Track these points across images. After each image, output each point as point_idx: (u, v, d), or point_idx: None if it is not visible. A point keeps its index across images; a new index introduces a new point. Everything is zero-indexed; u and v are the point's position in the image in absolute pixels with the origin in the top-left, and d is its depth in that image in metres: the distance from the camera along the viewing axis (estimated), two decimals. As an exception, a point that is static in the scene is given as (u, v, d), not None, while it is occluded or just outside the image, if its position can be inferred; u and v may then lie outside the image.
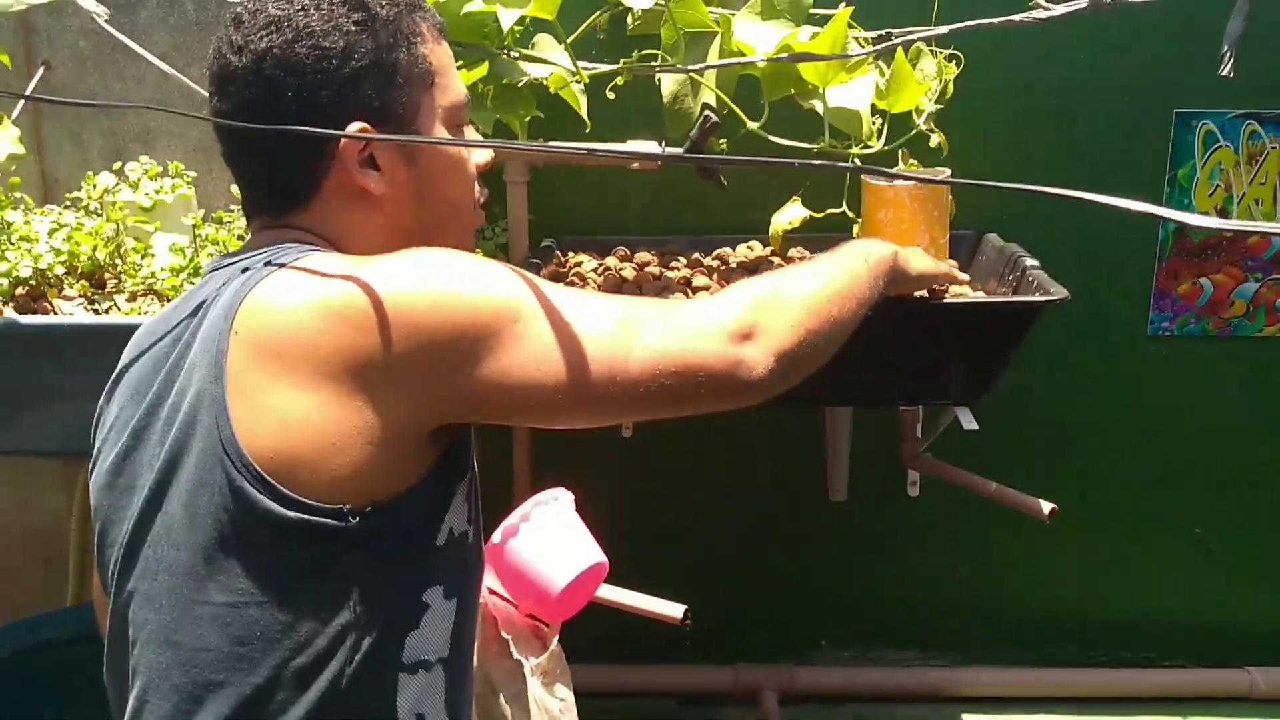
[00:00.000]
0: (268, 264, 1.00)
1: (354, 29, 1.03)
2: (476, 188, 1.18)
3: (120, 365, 1.09)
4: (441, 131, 1.11)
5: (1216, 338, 2.22)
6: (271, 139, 1.02)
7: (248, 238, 1.13)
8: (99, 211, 1.85)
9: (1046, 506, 1.82)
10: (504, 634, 1.35)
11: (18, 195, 1.95)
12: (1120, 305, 2.22)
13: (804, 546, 2.37)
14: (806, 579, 2.39)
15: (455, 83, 1.14)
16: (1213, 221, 0.69)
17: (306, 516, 0.93)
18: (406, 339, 0.93)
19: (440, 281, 0.96)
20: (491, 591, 1.38)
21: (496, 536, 1.35)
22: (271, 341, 0.94)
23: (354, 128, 1.02)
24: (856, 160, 1.90)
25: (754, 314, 1.05)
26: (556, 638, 1.39)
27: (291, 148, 1.03)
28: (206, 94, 1.08)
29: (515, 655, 1.33)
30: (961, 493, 2.08)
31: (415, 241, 1.07)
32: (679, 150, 1.90)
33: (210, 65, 1.07)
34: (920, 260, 1.47)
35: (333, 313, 0.93)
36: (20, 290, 1.70)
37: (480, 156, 1.17)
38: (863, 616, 2.42)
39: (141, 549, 1.00)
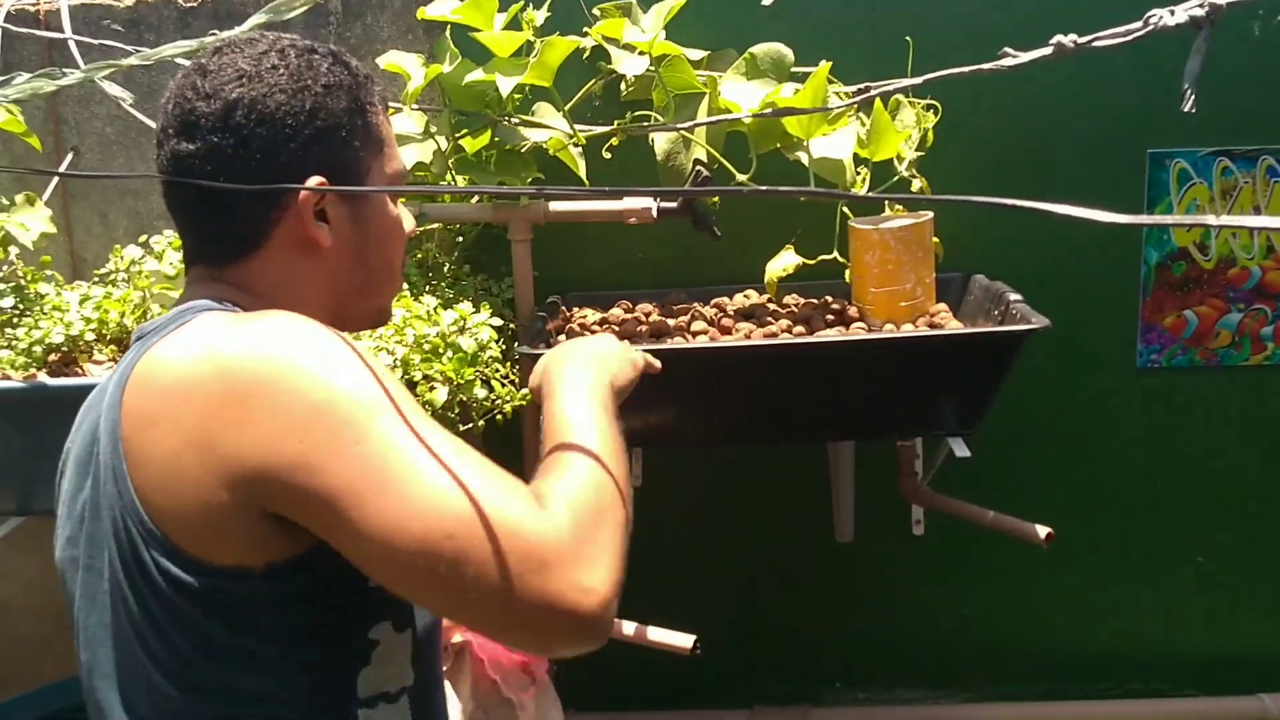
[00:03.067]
0: (164, 330, 1.02)
1: (320, 91, 1.09)
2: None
3: (69, 439, 1.12)
4: (382, 199, 1.15)
5: (1205, 368, 2.29)
6: (243, 170, 1.05)
7: (150, 305, 1.18)
8: (127, 282, 1.95)
9: (1042, 531, 1.88)
10: (492, 675, 1.39)
11: (49, 272, 2.06)
12: (1109, 340, 2.29)
13: (815, 588, 2.42)
14: (819, 621, 2.43)
15: (398, 153, 1.19)
16: (1150, 219, 0.77)
17: (212, 579, 0.94)
18: (256, 412, 0.91)
19: (311, 362, 0.93)
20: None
21: None
22: (150, 409, 0.95)
23: (313, 181, 1.06)
24: (843, 207, 2.00)
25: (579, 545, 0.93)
26: (545, 667, 1.41)
27: (253, 191, 1.06)
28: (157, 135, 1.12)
29: (505, 694, 1.36)
30: (966, 530, 2.13)
31: (349, 300, 1.13)
32: (656, 199, 2.00)
33: (168, 107, 1.09)
34: (622, 370, 1.26)
35: (195, 380, 0.94)
36: (53, 356, 1.79)
37: (409, 224, 1.21)
38: (875, 656, 2.45)
39: (84, 620, 1.04)
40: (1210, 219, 0.86)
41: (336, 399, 0.91)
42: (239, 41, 1.12)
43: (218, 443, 0.92)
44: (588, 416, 1.09)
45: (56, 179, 2.18)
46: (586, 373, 1.17)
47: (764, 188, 1.01)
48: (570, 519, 0.93)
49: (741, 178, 1.95)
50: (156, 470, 0.95)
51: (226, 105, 1.06)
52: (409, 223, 1.21)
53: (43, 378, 1.76)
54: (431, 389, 1.75)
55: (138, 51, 1.59)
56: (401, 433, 0.91)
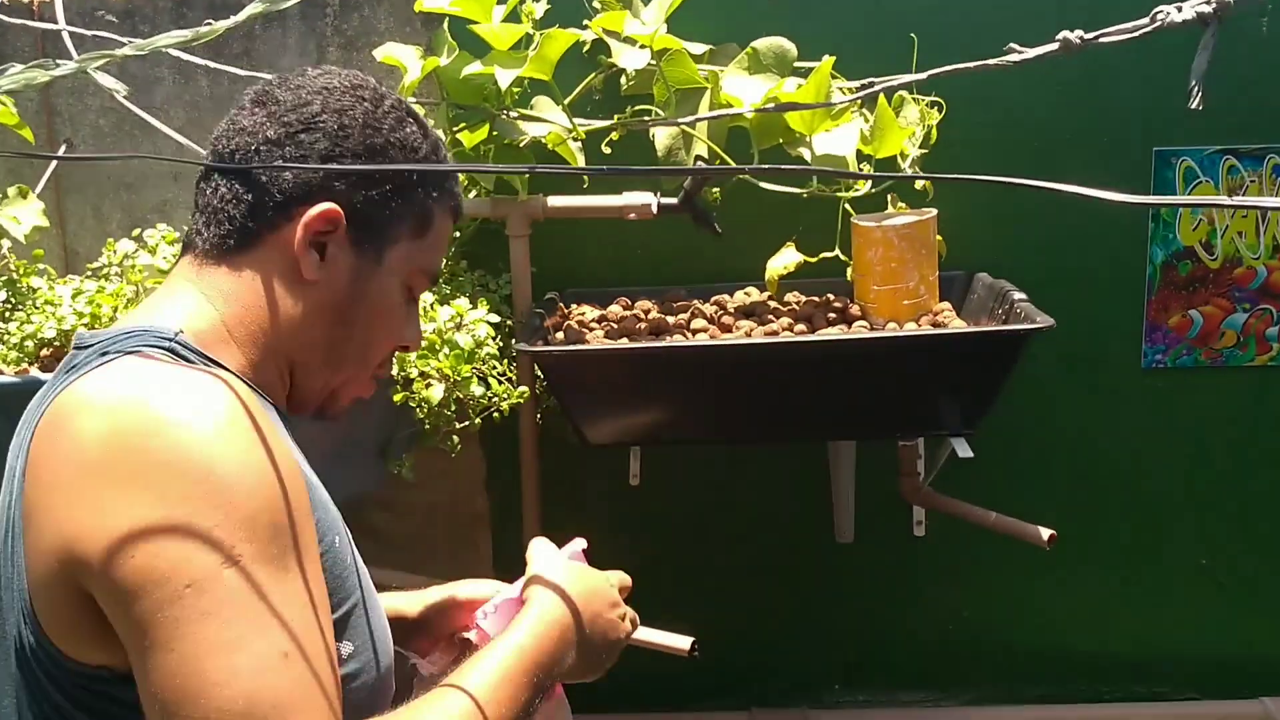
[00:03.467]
0: (88, 365, 0.94)
1: (386, 143, 1.05)
2: (390, 363, 1.16)
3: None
4: (396, 283, 1.08)
5: (1210, 368, 2.27)
6: (267, 161, 1.02)
7: (144, 299, 1.10)
8: (120, 276, 1.93)
9: (1045, 533, 1.86)
10: None
11: (41, 266, 2.03)
12: (1113, 340, 2.27)
13: (815, 590, 2.40)
14: (818, 623, 2.41)
15: (438, 256, 1.13)
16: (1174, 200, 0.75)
17: (71, 675, 0.89)
18: (120, 496, 0.84)
19: (196, 470, 0.85)
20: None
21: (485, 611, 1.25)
22: (46, 468, 0.89)
23: (325, 207, 1.02)
24: (846, 205, 1.97)
25: None
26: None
27: (269, 188, 1.02)
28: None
29: None
30: (967, 531, 2.11)
31: (309, 360, 1.06)
32: (666, 199, 1.98)
33: (256, 89, 1.08)
34: (590, 667, 1.22)
35: (83, 442, 0.87)
36: (45, 351, 1.77)
37: (414, 336, 1.14)
38: (875, 658, 2.43)
39: None
40: (1224, 199, 0.84)
41: (198, 526, 0.83)
42: (353, 72, 1.10)
43: (64, 516, 0.85)
44: (518, 680, 1.03)
45: (50, 170, 2.16)
46: (564, 644, 1.12)
47: (766, 166, 0.99)
48: None
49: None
50: (33, 533, 0.88)
51: (300, 101, 1.05)
52: (415, 335, 1.14)
53: (35, 372, 1.74)
54: (428, 386, 1.73)
55: (131, 42, 1.57)
56: (238, 601, 0.83)
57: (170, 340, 0.97)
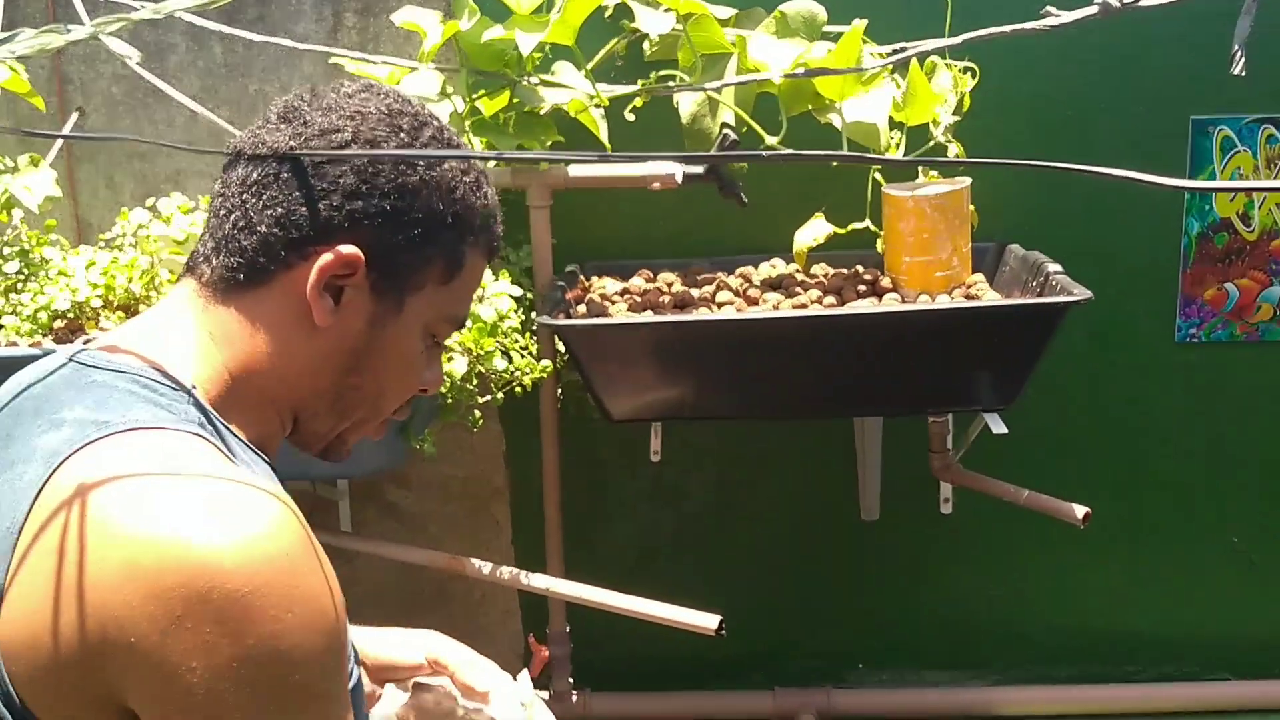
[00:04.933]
0: (75, 434, 0.85)
1: (420, 180, 0.96)
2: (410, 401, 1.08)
3: None
4: (415, 330, 0.99)
5: (1245, 342, 2.22)
6: (279, 199, 0.93)
7: (158, 301, 1.02)
8: (134, 246, 1.89)
9: (1080, 511, 1.82)
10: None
11: (54, 237, 2.00)
12: (1147, 313, 2.22)
13: (839, 568, 2.36)
14: (842, 601, 2.38)
15: (466, 301, 1.04)
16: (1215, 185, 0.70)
17: None
18: (184, 634, 0.75)
19: (279, 612, 0.77)
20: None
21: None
22: (46, 537, 0.80)
23: (347, 250, 0.93)
24: (877, 174, 1.92)
25: None
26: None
27: (286, 220, 0.93)
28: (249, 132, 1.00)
29: None
30: (995, 509, 2.07)
31: (318, 405, 0.98)
32: (688, 167, 1.93)
33: (288, 98, 1.00)
34: None
35: (141, 572, 0.76)
36: (59, 323, 1.74)
37: (434, 381, 1.06)
38: (899, 637, 2.40)
39: None
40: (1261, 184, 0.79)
41: (276, 667, 0.77)
42: (394, 93, 1.00)
43: (122, 653, 0.76)
44: None
45: (60, 140, 2.12)
46: None
47: (787, 152, 0.94)
48: None
49: (771, 141, 1.87)
50: (31, 614, 0.79)
51: (330, 127, 0.95)
52: (435, 381, 1.06)
53: (48, 344, 1.71)
54: (450, 359, 1.69)
55: (145, 6, 1.53)
56: None
57: (189, 398, 0.89)
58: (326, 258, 0.92)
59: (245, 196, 0.95)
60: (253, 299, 0.94)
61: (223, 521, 0.78)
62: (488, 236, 1.02)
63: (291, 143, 0.94)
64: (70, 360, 0.93)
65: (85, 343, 0.96)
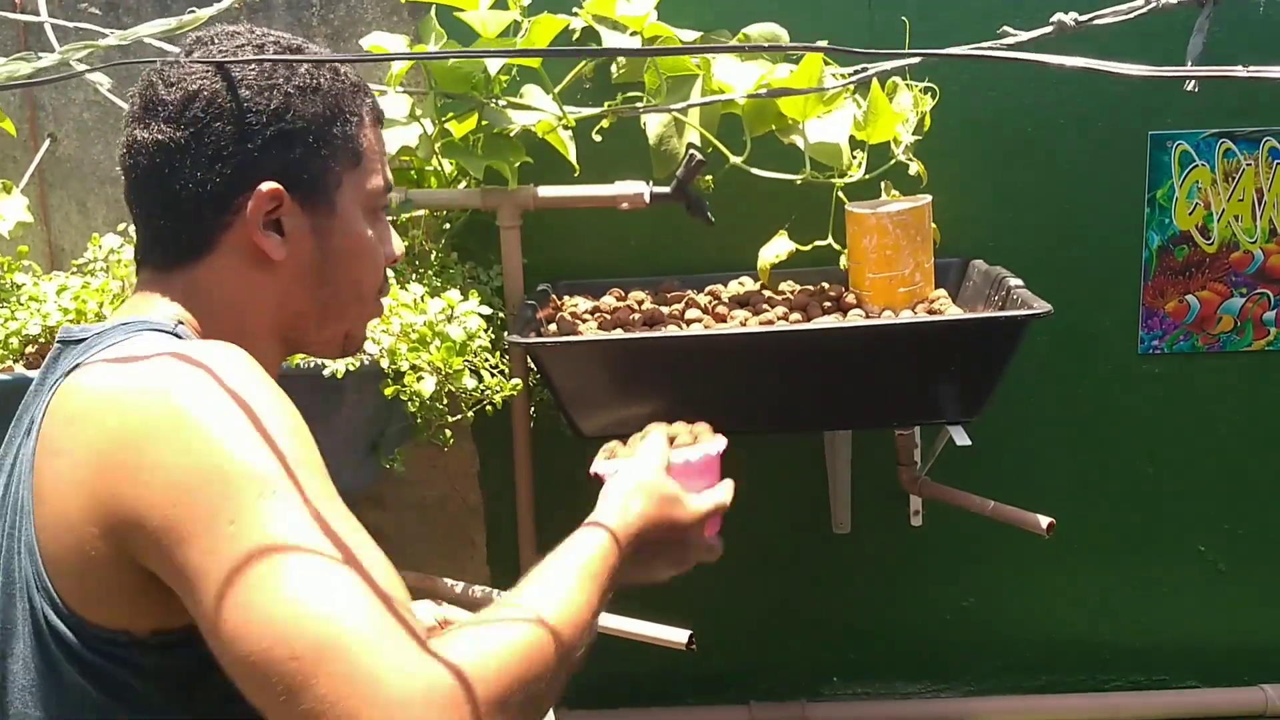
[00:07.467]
0: (92, 349, 0.95)
1: (291, 91, 1.01)
2: (388, 274, 1.15)
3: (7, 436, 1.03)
4: (355, 217, 1.07)
5: (1206, 353, 2.25)
6: (181, 182, 0.99)
7: (129, 295, 1.08)
8: (105, 271, 1.90)
9: (1044, 521, 1.84)
10: None
11: (26, 262, 2.01)
12: (1110, 326, 2.25)
13: (811, 581, 2.38)
14: (815, 614, 2.39)
15: (382, 170, 1.11)
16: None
17: (93, 642, 0.87)
18: (143, 460, 0.83)
19: (211, 417, 0.84)
20: None
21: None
22: (57, 438, 0.89)
23: (266, 187, 0.99)
24: (840, 193, 1.95)
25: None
26: None
27: (199, 194, 0.99)
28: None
29: None
30: (965, 521, 2.09)
31: (308, 323, 1.07)
32: (657, 188, 1.96)
33: (139, 90, 1.03)
34: (668, 567, 1.30)
35: (96, 412, 0.87)
36: (30, 348, 1.74)
37: (395, 249, 1.14)
38: (873, 650, 2.41)
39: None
40: (1239, 70, 0.81)
41: (226, 466, 0.81)
42: (221, 33, 1.05)
43: (99, 485, 0.85)
44: (587, 583, 1.00)
45: (35, 164, 2.13)
46: (635, 545, 1.13)
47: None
48: (460, 675, 0.78)
49: (736, 160, 1.90)
50: (49, 510, 0.88)
51: (186, 95, 0.99)
52: (397, 247, 1.14)
53: (20, 370, 1.71)
54: (419, 379, 1.70)
55: (114, 33, 1.54)
56: (286, 520, 0.80)
57: (171, 332, 0.97)
58: (252, 203, 0.99)
59: (155, 189, 1.01)
60: (206, 266, 1.02)
61: (180, 366, 0.87)
62: (367, 107, 1.09)
63: (164, 127, 1.00)
64: (55, 341, 1.02)
65: None
